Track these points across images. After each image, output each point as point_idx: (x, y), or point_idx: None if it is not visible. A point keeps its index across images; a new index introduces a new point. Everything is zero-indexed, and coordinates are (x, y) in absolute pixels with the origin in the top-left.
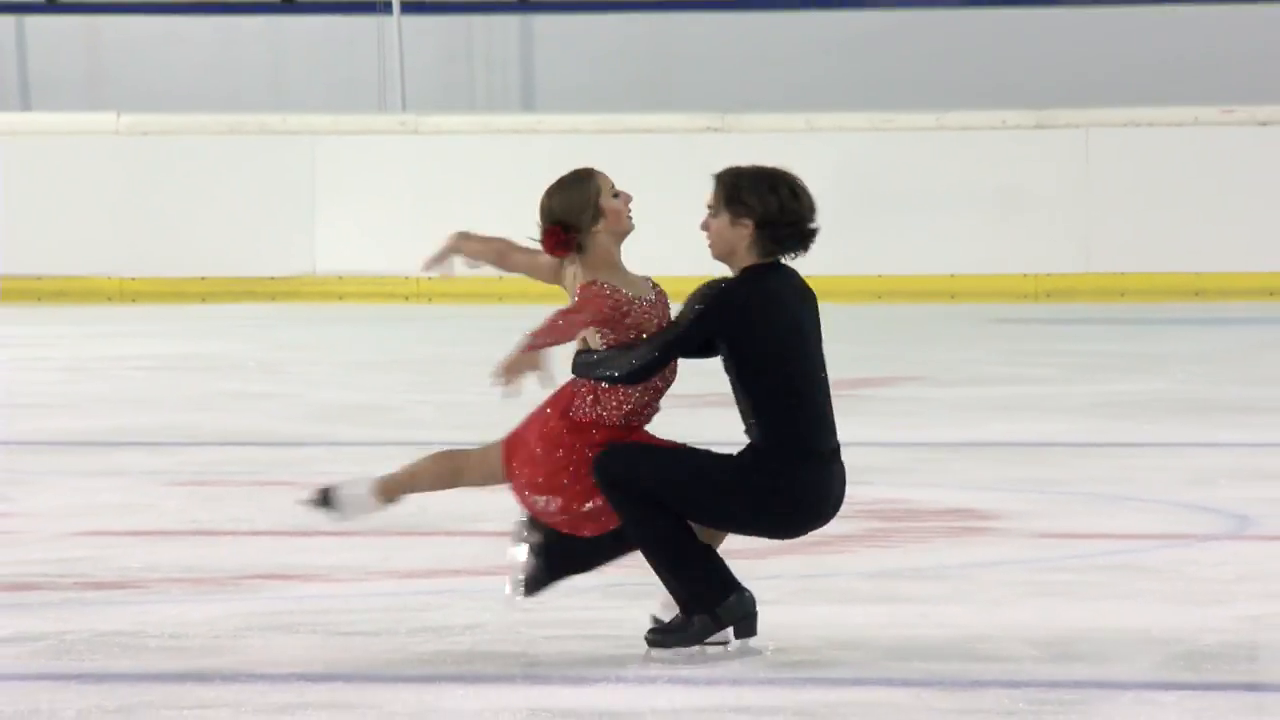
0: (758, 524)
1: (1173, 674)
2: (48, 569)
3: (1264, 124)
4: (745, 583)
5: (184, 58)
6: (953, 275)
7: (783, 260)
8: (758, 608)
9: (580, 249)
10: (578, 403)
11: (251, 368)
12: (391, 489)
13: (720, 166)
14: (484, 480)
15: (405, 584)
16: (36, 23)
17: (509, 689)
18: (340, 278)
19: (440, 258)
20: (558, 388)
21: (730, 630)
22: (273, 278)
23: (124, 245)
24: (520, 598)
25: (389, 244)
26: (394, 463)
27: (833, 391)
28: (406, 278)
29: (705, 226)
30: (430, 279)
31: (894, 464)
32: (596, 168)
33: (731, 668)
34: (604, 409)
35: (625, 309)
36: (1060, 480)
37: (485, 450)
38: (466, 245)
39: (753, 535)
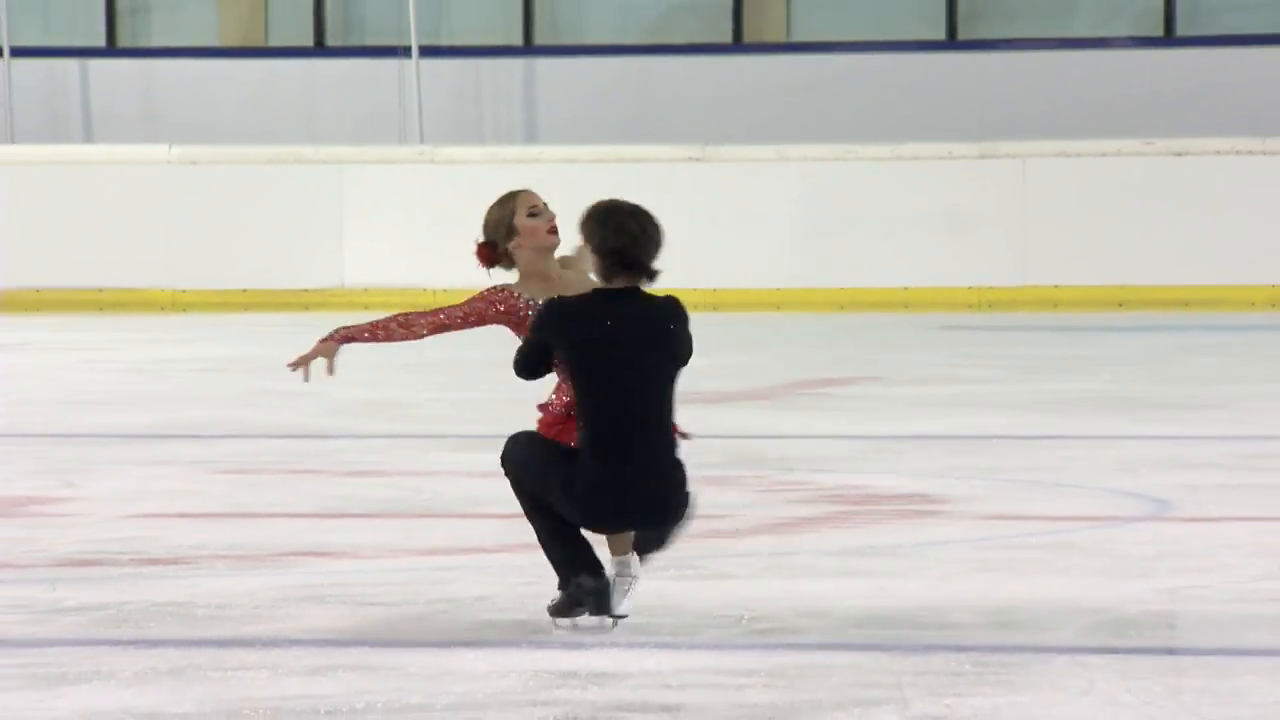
0: (575, 514)
1: (1101, 640)
2: (108, 547)
3: (1179, 154)
4: (723, 560)
5: (228, 96)
6: (905, 288)
7: (640, 286)
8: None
9: (510, 262)
10: (549, 395)
11: (287, 370)
12: None
13: (700, 192)
14: None
15: (423, 560)
16: (98, 65)
17: (514, 653)
18: (365, 290)
19: (305, 360)
20: None
21: (606, 612)
22: (306, 290)
23: (175, 261)
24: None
25: (409, 260)
26: (411, 454)
27: (802, 390)
28: (424, 289)
29: None
30: (445, 291)
31: (853, 454)
32: (529, 189)
33: (711, 634)
34: (551, 400)
35: (522, 315)
36: (1000, 468)
37: None
38: (325, 349)
39: (584, 526)
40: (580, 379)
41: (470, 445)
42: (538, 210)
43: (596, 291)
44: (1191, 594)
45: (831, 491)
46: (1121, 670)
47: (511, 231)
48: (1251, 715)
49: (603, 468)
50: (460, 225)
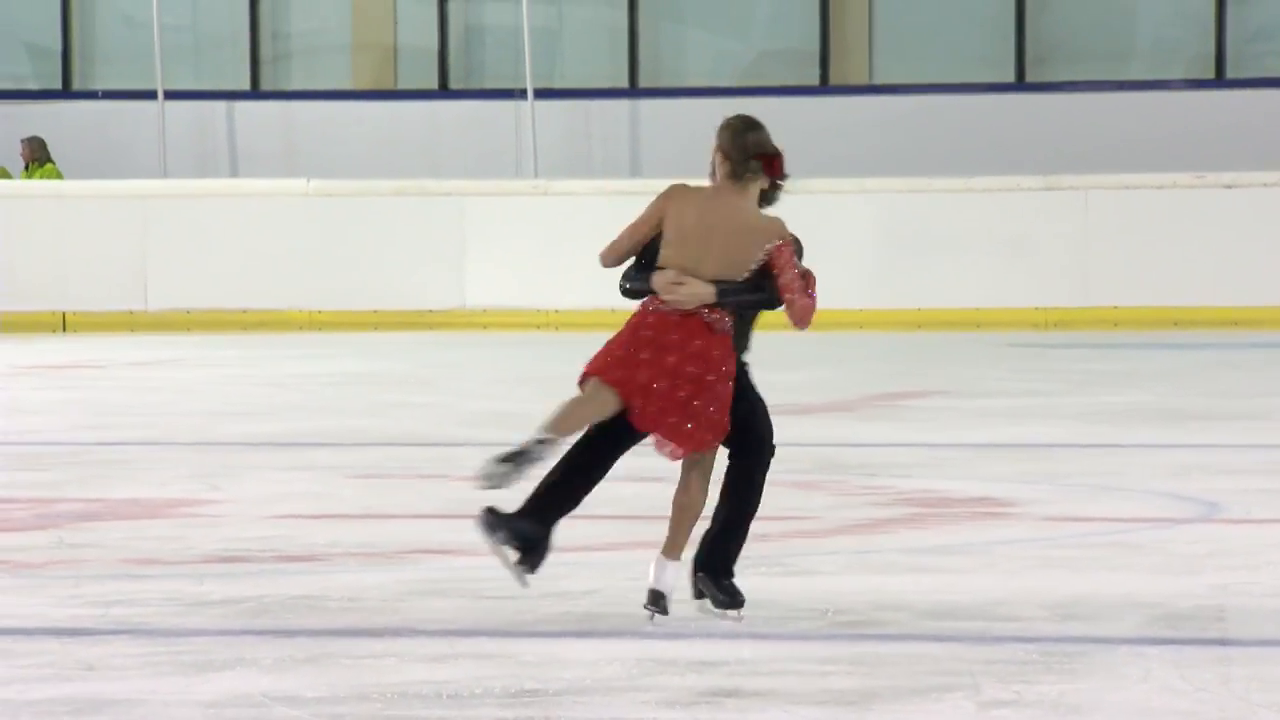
0: None
1: (1156, 631)
2: (250, 545)
3: (1228, 187)
4: (809, 558)
5: (360, 135)
6: (976, 308)
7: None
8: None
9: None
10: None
11: (413, 383)
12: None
13: (789, 220)
14: None
15: None
16: (243, 106)
17: (620, 642)
18: (484, 310)
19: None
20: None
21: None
22: (431, 310)
23: (311, 285)
24: (528, 575)
25: (523, 283)
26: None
27: (881, 403)
28: (538, 309)
29: None
30: (557, 311)
31: (927, 461)
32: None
33: (798, 625)
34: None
35: None
36: (1062, 474)
37: None
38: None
39: None
40: None
41: None
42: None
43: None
44: (1239, 589)
45: (907, 495)
46: (1175, 660)
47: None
48: None
49: None
50: (570, 251)
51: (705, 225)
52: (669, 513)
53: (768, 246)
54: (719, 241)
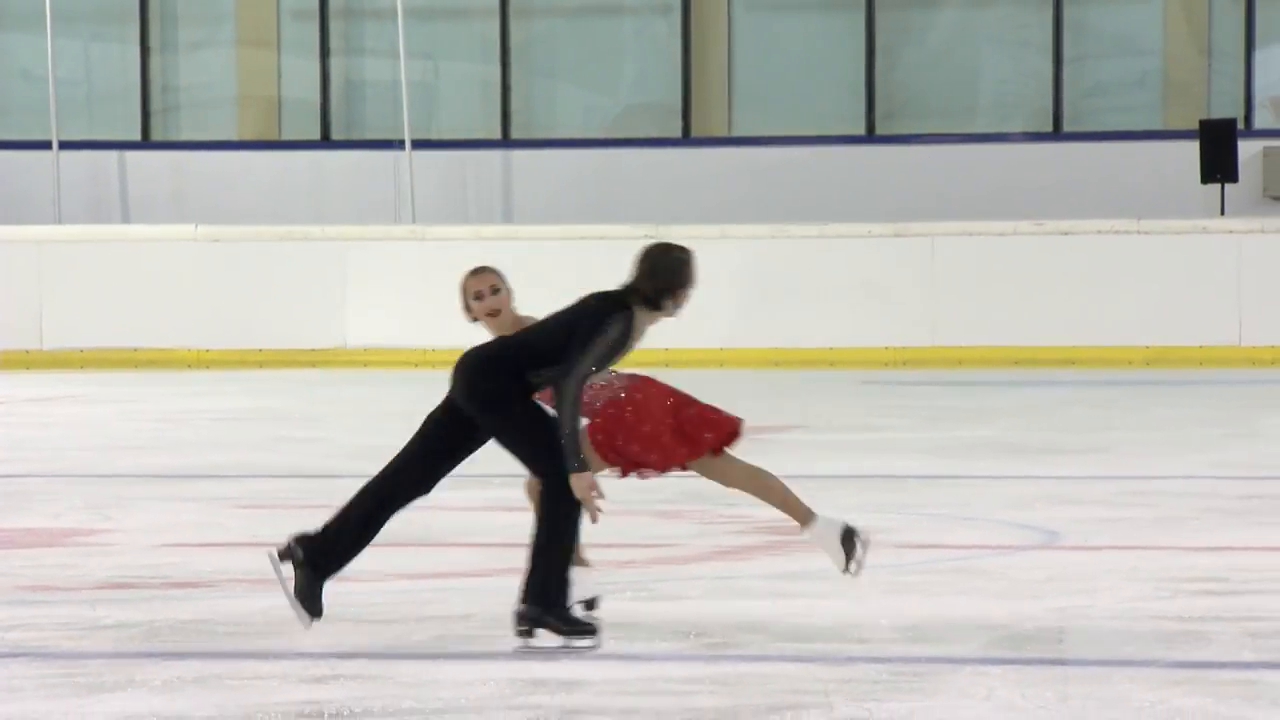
0: None
1: (999, 652)
2: (141, 572)
3: (1066, 234)
4: (674, 583)
5: (247, 183)
6: (830, 348)
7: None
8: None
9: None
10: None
11: (297, 419)
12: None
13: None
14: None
15: (414, 583)
16: (135, 156)
17: (493, 664)
18: (365, 349)
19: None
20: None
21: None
22: (314, 349)
23: (200, 325)
24: (310, 621)
25: (402, 323)
26: None
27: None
28: (415, 349)
29: None
30: (434, 350)
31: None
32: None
33: (663, 647)
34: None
35: None
36: (912, 504)
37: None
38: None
39: None
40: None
41: (458, 483)
42: (481, 295)
43: None
44: (1077, 612)
45: (766, 524)
46: (1017, 679)
47: (467, 306)
48: (1129, 718)
49: None
50: (447, 294)
51: None
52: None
53: None
54: None
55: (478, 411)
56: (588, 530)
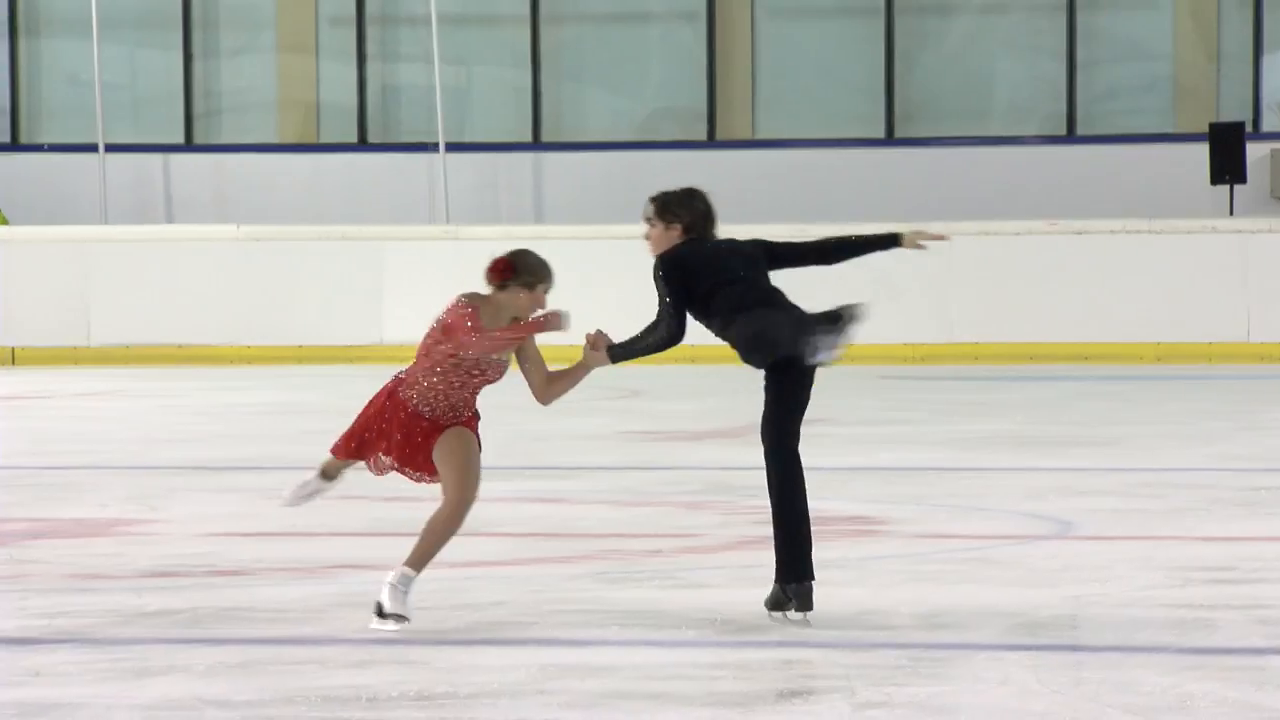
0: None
1: (1014, 639)
2: (184, 561)
3: (1079, 233)
4: (699, 572)
5: (286, 184)
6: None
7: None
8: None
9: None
10: (403, 391)
11: (334, 412)
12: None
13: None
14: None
15: (449, 572)
16: (178, 159)
17: (525, 650)
18: (400, 345)
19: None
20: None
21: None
22: (350, 345)
23: (240, 322)
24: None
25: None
26: (435, 484)
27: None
28: None
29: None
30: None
31: (808, 483)
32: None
33: (689, 633)
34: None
35: (470, 324)
36: (929, 495)
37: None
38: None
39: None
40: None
41: (489, 476)
42: (541, 304)
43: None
44: (1091, 600)
45: None
46: (1032, 664)
47: (524, 289)
48: (1141, 702)
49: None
50: (481, 290)
51: None
52: (569, 530)
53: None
54: None
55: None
56: (611, 522)
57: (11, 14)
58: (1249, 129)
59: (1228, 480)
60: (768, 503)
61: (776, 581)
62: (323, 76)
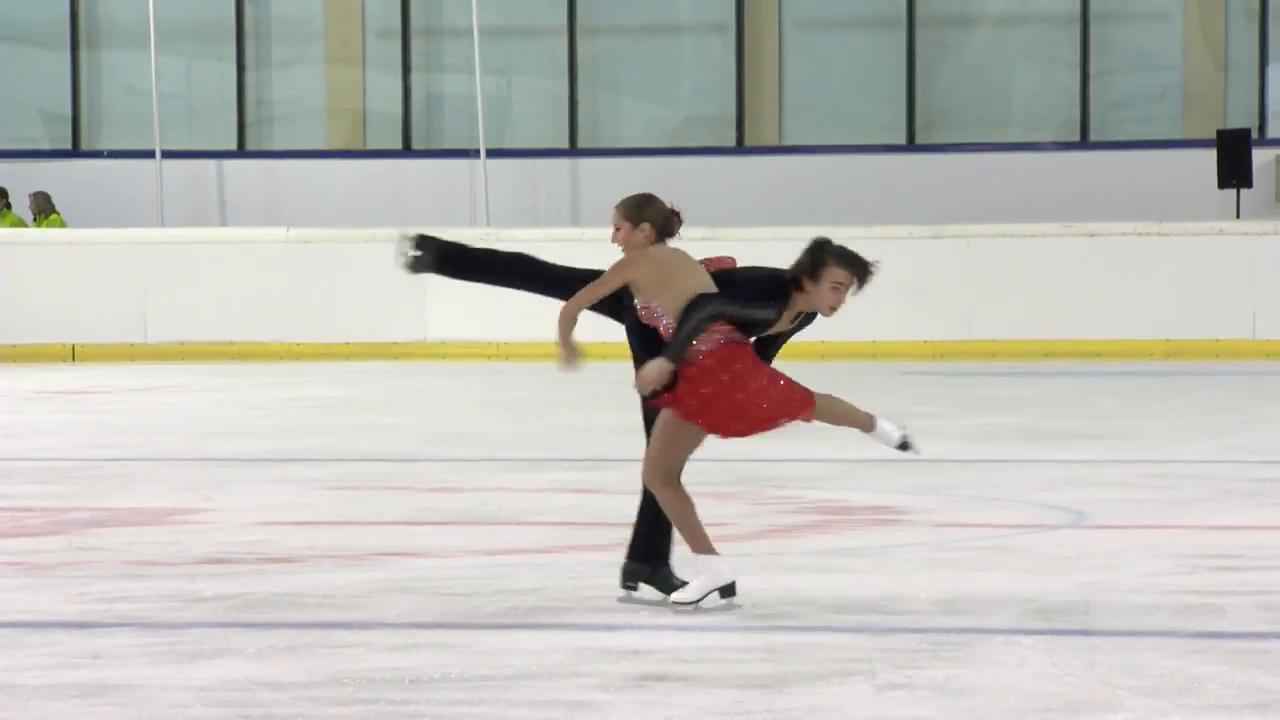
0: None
1: (1030, 623)
2: (237, 548)
3: (1092, 235)
4: (729, 560)
5: (334, 189)
6: (873, 341)
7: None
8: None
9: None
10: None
11: (380, 407)
12: None
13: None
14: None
15: (489, 559)
16: (231, 164)
17: (562, 634)
18: (442, 343)
19: (569, 353)
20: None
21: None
22: (395, 342)
23: (291, 320)
24: (406, 260)
25: (478, 319)
26: (480, 474)
27: (791, 426)
28: (489, 343)
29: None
30: (506, 343)
31: (832, 474)
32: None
33: (719, 619)
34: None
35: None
36: (949, 486)
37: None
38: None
39: None
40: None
41: (528, 467)
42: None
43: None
44: (1103, 587)
45: (813, 504)
46: (1047, 648)
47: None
48: (1151, 684)
49: None
50: (517, 291)
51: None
52: (604, 519)
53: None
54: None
55: None
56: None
57: (73, 27)
58: (1255, 135)
59: (1234, 472)
60: (795, 493)
61: (641, 560)
62: (369, 86)
